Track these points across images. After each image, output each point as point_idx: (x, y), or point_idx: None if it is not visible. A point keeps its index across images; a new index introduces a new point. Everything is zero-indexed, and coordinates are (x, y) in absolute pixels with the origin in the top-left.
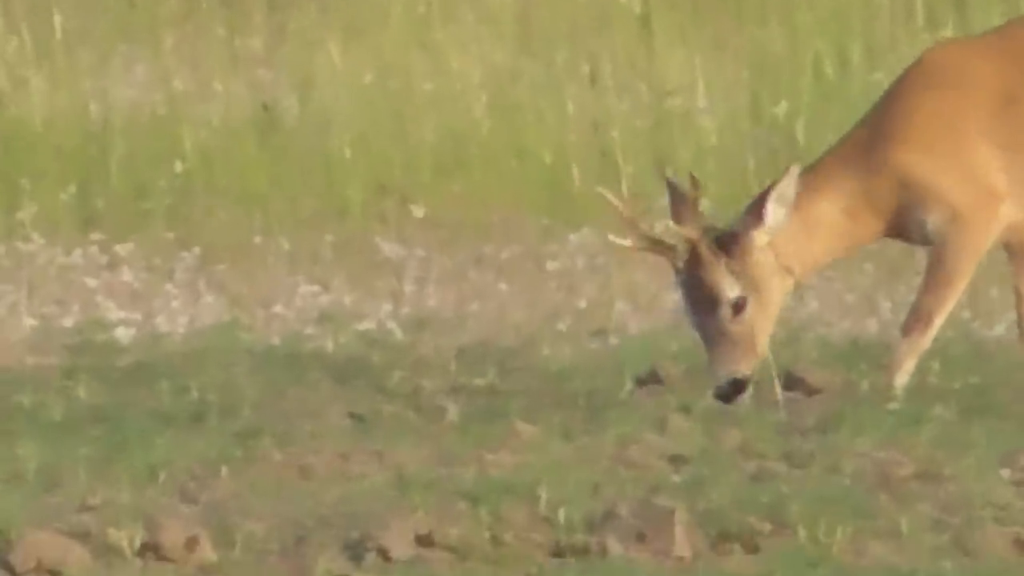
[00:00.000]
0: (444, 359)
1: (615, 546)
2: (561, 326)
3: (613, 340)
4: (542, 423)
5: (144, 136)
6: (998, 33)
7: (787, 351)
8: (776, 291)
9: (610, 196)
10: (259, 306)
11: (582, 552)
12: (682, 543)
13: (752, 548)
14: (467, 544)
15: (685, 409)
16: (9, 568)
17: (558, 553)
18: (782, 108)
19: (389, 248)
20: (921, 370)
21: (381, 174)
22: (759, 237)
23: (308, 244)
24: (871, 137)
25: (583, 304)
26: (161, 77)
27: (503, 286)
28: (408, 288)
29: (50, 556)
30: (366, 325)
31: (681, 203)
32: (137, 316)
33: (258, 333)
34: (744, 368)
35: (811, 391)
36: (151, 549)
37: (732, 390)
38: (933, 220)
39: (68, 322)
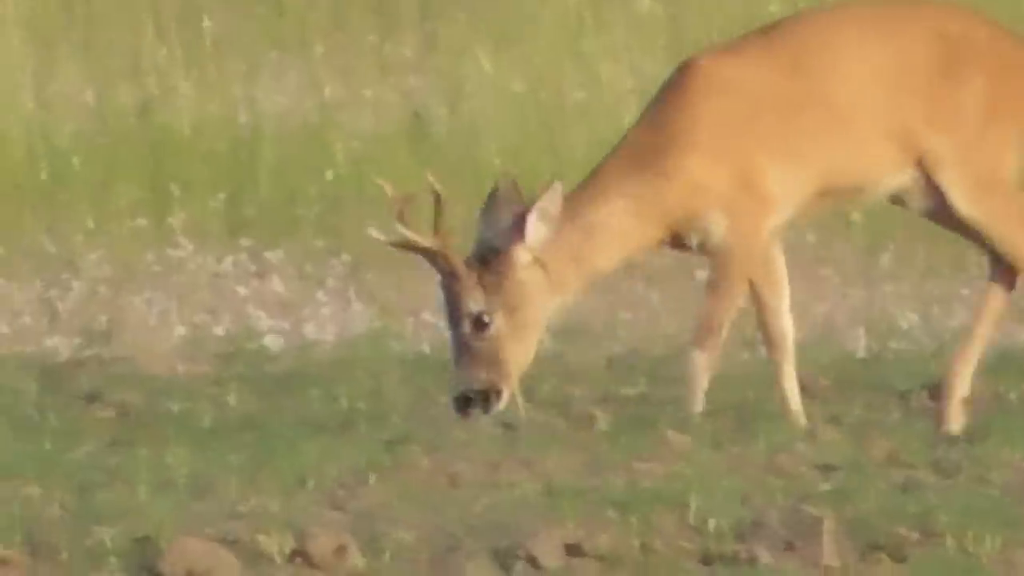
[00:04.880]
0: (594, 368)
1: (764, 555)
2: None
3: (763, 351)
4: (692, 432)
5: (294, 144)
6: (763, 38)
7: (937, 361)
8: (538, 310)
9: (386, 188)
10: (409, 314)
11: (731, 560)
12: (830, 552)
13: (900, 558)
14: (616, 553)
15: (834, 419)
16: (159, 575)
17: (707, 561)
18: None
19: None
20: None
21: (530, 183)
22: (520, 254)
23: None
24: (657, 142)
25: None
26: (311, 85)
27: (653, 296)
28: None
29: (200, 563)
30: None
31: (437, 213)
32: (287, 324)
33: (408, 341)
34: (482, 383)
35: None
36: (300, 556)
37: (466, 403)
38: (716, 230)
39: (219, 330)
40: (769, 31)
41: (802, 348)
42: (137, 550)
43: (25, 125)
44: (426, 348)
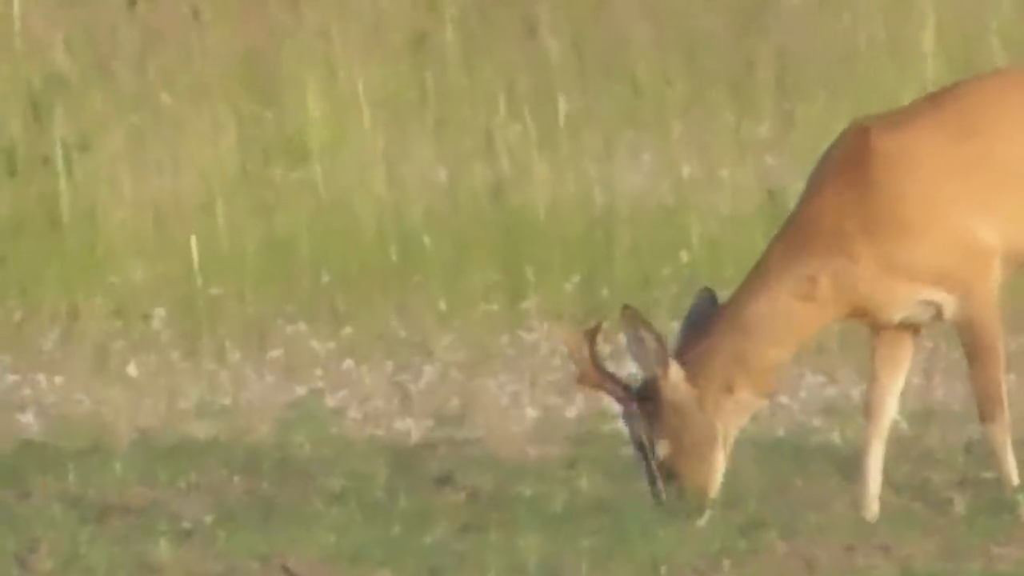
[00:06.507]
0: (951, 452)
1: None
2: None
3: None
4: None
5: (649, 224)
6: (928, 106)
7: None
8: (705, 425)
9: (561, 336)
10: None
11: None
12: None
13: None
14: None
15: None
16: None
17: None
18: None
19: None
20: None
21: None
22: (660, 382)
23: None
24: (836, 222)
25: None
26: (668, 164)
27: (1011, 379)
28: (915, 381)
29: None
30: None
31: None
32: None
33: (763, 424)
34: (677, 501)
35: None
36: None
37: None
38: (946, 305)
39: (571, 413)
40: (931, 98)
41: None
42: None
43: (376, 205)
44: (781, 432)
